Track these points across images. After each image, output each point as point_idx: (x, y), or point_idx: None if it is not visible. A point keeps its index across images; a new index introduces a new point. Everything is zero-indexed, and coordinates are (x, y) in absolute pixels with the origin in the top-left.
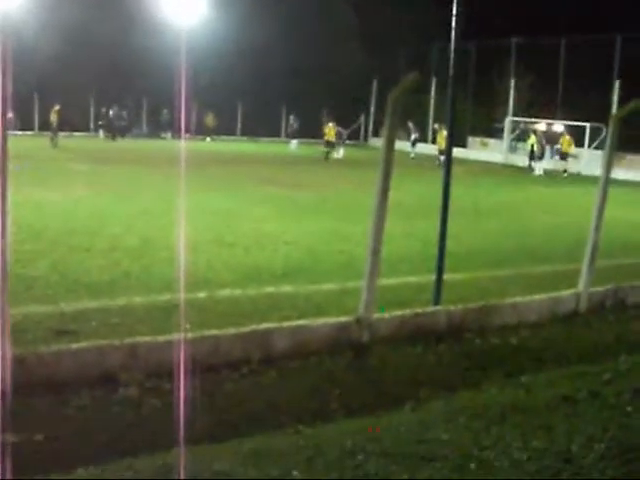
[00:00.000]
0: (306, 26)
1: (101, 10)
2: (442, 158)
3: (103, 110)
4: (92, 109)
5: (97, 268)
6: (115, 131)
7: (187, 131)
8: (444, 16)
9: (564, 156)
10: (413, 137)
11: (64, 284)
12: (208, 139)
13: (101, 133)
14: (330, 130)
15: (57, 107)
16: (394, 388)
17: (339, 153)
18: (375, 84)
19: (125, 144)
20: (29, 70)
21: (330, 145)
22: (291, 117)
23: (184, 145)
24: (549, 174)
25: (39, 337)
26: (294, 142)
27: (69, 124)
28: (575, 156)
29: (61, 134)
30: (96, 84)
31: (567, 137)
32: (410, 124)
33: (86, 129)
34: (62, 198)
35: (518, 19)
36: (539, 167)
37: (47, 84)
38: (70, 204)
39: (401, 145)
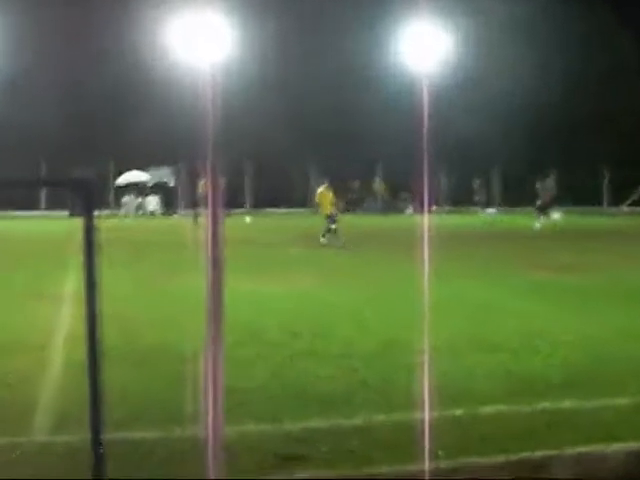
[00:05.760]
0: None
1: None
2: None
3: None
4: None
5: (327, 378)
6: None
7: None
8: None
9: None
10: None
11: (287, 397)
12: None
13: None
14: None
15: None
16: None
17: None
18: None
19: (356, 220)
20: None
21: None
22: (548, 180)
23: (419, 221)
24: None
25: (258, 463)
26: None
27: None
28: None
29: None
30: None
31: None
32: None
33: (292, 204)
34: (283, 290)
35: None
36: None
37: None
38: (293, 298)
39: None
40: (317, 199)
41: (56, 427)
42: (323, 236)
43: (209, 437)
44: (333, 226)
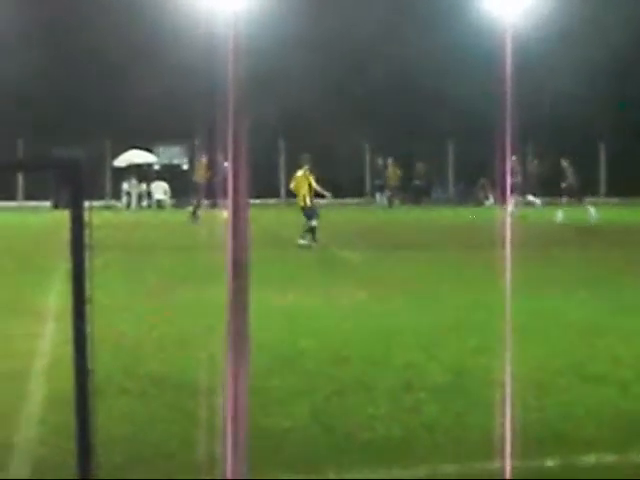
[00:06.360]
0: None
1: None
2: None
3: (385, 162)
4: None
5: (382, 417)
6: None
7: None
8: None
9: None
10: None
11: (331, 442)
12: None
13: (380, 198)
14: None
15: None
16: None
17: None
18: None
19: (422, 213)
20: None
21: None
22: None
23: (499, 215)
24: None
25: None
26: None
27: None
28: None
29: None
30: None
31: None
32: None
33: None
34: (325, 305)
35: None
36: None
37: None
38: (337, 315)
39: None
40: (293, 186)
41: (36, 476)
42: (302, 237)
43: None
44: (314, 223)
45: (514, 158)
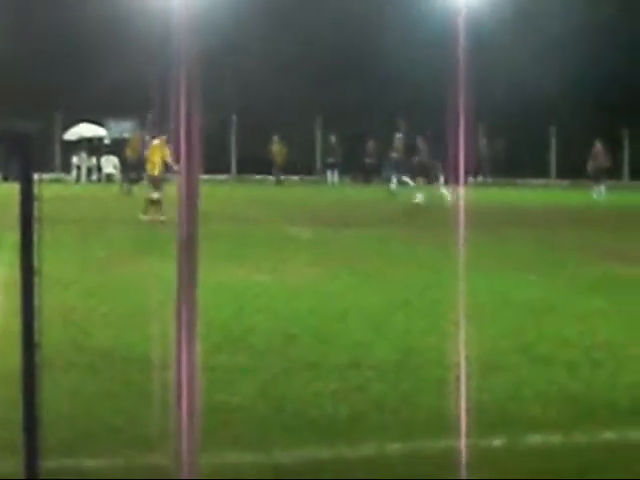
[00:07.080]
0: None
1: None
2: None
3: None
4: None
5: (330, 395)
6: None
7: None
8: None
9: None
10: None
11: (278, 419)
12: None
13: (330, 176)
14: None
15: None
16: None
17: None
18: None
19: (371, 192)
20: None
21: None
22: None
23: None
24: None
25: None
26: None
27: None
28: None
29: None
30: None
31: None
32: None
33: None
34: (275, 282)
35: None
36: None
37: None
38: (287, 292)
39: None
40: (146, 154)
41: None
42: (145, 212)
43: (179, 467)
44: (157, 195)
45: (418, 137)
